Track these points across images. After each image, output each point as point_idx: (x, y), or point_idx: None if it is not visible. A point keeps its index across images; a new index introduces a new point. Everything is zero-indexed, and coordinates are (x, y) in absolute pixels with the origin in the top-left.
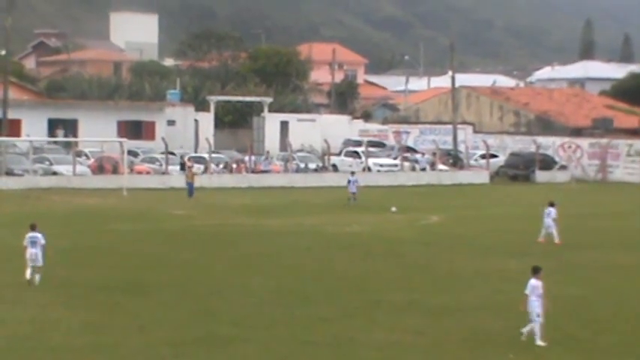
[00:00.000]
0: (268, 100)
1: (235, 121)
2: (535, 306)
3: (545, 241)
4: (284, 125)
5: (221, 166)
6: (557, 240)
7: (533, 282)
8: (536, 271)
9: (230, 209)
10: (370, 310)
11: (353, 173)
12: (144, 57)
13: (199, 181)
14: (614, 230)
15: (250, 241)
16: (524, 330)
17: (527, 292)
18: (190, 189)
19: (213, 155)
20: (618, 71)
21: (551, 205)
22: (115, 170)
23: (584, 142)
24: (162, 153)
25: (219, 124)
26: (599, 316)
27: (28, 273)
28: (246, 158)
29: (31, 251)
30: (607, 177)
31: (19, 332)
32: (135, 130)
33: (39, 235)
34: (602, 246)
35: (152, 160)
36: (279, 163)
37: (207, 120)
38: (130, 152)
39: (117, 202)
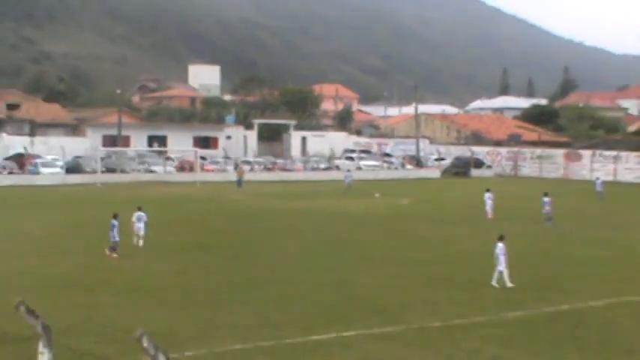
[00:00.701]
0: (293, 122)
1: (271, 137)
2: (501, 261)
3: (493, 217)
4: (304, 139)
5: (262, 166)
6: (490, 215)
7: (500, 245)
8: (501, 238)
9: (267, 195)
10: (361, 263)
11: (349, 171)
12: (210, 94)
13: (247, 177)
14: (522, 209)
15: (282, 217)
16: (494, 280)
17: (497, 251)
18: (239, 182)
19: (256, 159)
20: (525, 103)
21: (488, 190)
22: (191, 169)
23: (503, 150)
24: (223, 157)
25: (260, 138)
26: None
27: (134, 240)
28: (279, 161)
29: (137, 225)
30: (518, 173)
31: (130, 277)
32: (204, 142)
33: (143, 214)
34: (514, 219)
35: (216, 163)
36: (301, 164)
37: (252, 136)
38: (201, 157)
39: (192, 191)
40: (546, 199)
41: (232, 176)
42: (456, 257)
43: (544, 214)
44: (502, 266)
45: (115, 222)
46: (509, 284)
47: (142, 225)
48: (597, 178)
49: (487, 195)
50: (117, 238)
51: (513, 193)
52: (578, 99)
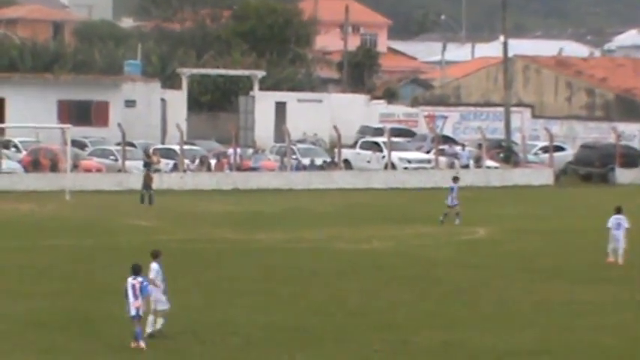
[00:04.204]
0: (260, 74)
1: (216, 102)
2: None
3: (615, 260)
4: (280, 107)
5: (197, 161)
6: (620, 259)
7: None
8: None
9: (208, 219)
10: (395, 355)
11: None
12: (93, 16)
13: (167, 182)
14: None
15: (235, 262)
16: None
17: None
18: (146, 194)
19: (187, 147)
20: None
21: (619, 211)
22: (55, 167)
23: None
24: (119, 144)
25: (194, 105)
26: None
27: None
28: (230, 151)
29: None
30: None
31: None
32: (81, 113)
33: None
34: None
35: (105, 154)
36: (274, 157)
37: (178, 100)
38: (74, 143)
39: (57, 209)
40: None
41: (137, 181)
42: (578, 346)
43: None
44: None
45: None
46: None
47: None
48: None
49: (615, 220)
50: None
51: None
52: None
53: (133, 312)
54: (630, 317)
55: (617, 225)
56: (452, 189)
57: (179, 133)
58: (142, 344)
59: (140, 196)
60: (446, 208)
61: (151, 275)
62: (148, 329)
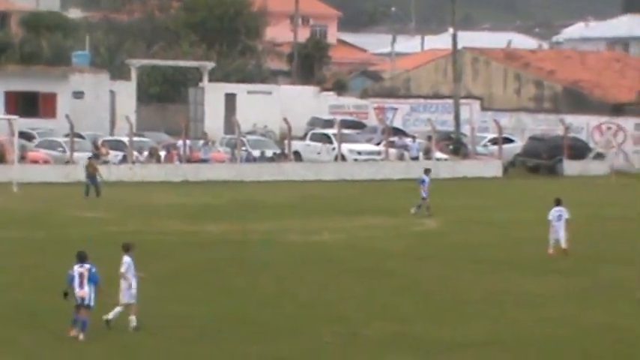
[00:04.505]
0: (209, 65)
1: (165, 94)
2: None
3: (555, 252)
4: (230, 99)
5: (146, 153)
6: (564, 245)
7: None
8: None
9: (158, 211)
10: (345, 347)
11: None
12: (40, 6)
13: (116, 174)
14: None
15: (184, 254)
16: None
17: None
18: (92, 185)
19: (135, 139)
20: None
21: (559, 203)
22: (2, 158)
23: (628, 123)
24: (67, 135)
25: (143, 97)
26: None
27: None
28: (180, 143)
29: None
30: None
31: None
32: (29, 104)
33: None
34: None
35: (52, 145)
36: (224, 149)
37: (127, 92)
38: (21, 134)
39: (5, 201)
40: None
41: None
42: (526, 336)
43: None
44: None
45: None
46: None
47: None
48: None
49: (556, 212)
50: None
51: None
52: None
53: (78, 301)
54: (578, 308)
55: (558, 217)
56: (423, 181)
57: (128, 124)
58: (81, 336)
59: (85, 189)
60: (420, 200)
61: (122, 269)
62: (110, 316)
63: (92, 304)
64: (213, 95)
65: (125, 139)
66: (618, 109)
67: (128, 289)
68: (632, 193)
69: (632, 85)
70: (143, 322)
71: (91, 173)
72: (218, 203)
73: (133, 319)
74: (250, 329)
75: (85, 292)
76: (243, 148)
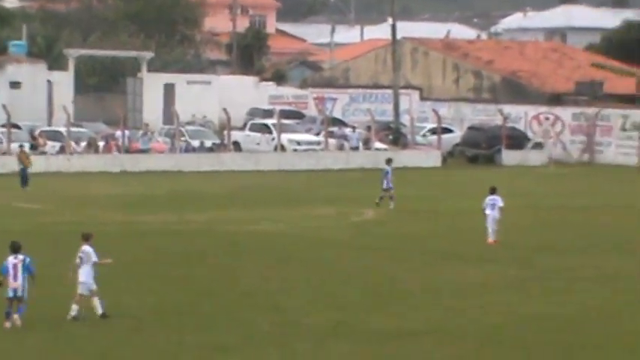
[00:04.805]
0: (147, 55)
1: (103, 84)
2: None
3: (495, 241)
4: (169, 89)
5: (84, 143)
6: (492, 237)
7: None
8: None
9: (95, 201)
10: (285, 336)
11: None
12: None
13: (54, 165)
14: (605, 228)
15: (123, 244)
16: None
17: None
18: (23, 176)
19: (73, 129)
20: (610, 19)
21: (493, 191)
22: None
23: (566, 113)
24: (3, 126)
25: (81, 87)
26: (587, 341)
27: None
28: (118, 133)
29: None
30: (595, 158)
31: None
32: None
33: None
34: (590, 248)
35: None
36: (163, 139)
37: (64, 82)
38: None
39: None
40: None
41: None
42: (466, 326)
43: None
44: None
45: None
46: None
47: None
48: None
49: (490, 200)
50: None
51: (586, 196)
52: None
53: (10, 293)
54: (517, 297)
55: (491, 205)
56: (386, 172)
57: (66, 115)
58: (18, 321)
59: (20, 179)
60: (381, 192)
61: (94, 258)
62: (99, 311)
63: (25, 295)
64: (151, 85)
65: (63, 130)
66: (556, 99)
67: (87, 277)
68: (570, 182)
69: (570, 75)
70: (86, 314)
71: (23, 162)
72: (157, 194)
73: (98, 305)
74: (190, 319)
75: (17, 283)
76: (183, 139)
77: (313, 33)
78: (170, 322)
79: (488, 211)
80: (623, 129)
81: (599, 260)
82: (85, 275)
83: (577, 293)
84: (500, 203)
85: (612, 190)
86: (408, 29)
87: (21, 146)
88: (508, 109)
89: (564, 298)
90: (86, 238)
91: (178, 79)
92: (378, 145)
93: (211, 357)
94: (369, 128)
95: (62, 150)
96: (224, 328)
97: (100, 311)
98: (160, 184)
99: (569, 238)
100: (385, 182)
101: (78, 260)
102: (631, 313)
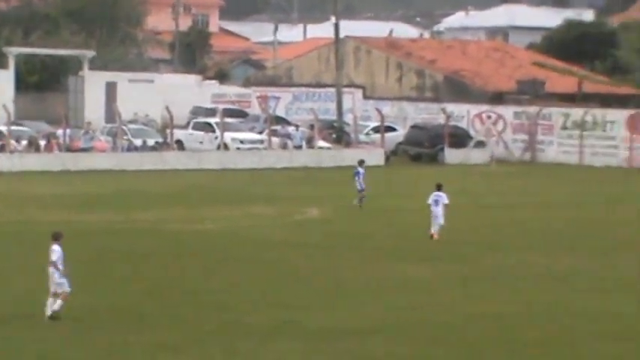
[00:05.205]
0: (89, 54)
1: (44, 83)
2: None
3: (438, 235)
4: (111, 88)
5: (24, 142)
6: (436, 235)
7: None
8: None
9: (36, 201)
10: (228, 335)
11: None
12: None
13: None
14: (547, 226)
15: (66, 244)
16: None
17: None
18: None
19: (14, 128)
20: (551, 18)
21: (439, 188)
22: None
23: (508, 111)
24: None
25: (21, 85)
26: (529, 339)
27: None
28: (60, 132)
29: None
30: (536, 156)
31: None
32: None
33: None
34: (533, 247)
35: None
36: (105, 138)
37: (4, 80)
38: None
39: None
40: None
41: None
42: (411, 323)
43: None
44: None
45: None
46: None
47: None
48: None
49: (435, 196)
50: None
51: (528, 194)
52: None
53: None
54: (460, 294)
55: (435, 202)
56: (357, 173)
57: (6, 113)
58: None
59: None
60: (357, 193)
61: (53, 257)
62: (48, 311)
63: None
64: (93, 84)
65: (3, 129)
66: (498, 98)
67: (64, 276)
68: (512, 181)
69: (512, 74)
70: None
71: None
72: (100, 193)
73: (57, 305)
74: (133, 318)
75: None
76: (125, 137)
77: (256, 32)
78: (113, 321)
79: (432, 207)
80: (564, 127)
81: (542, 258)
82: (58, 275)
83: (521, 291)
84: (445, 200)
85: (553, 189)
86: (351, 28)
87: None
88: (451, 107)
89: (508, 297)
90: (56, 238)
91: (120, 78)
92: (321, 143)
93: (155, 356)
94: (312, 127)
95: (2, 149)
96: (168, 327)
97: (49, 312)
98: (103, 183)
99: (512, 237)
100: (358, 183)
101: (54, 258)
102: (573, 310)
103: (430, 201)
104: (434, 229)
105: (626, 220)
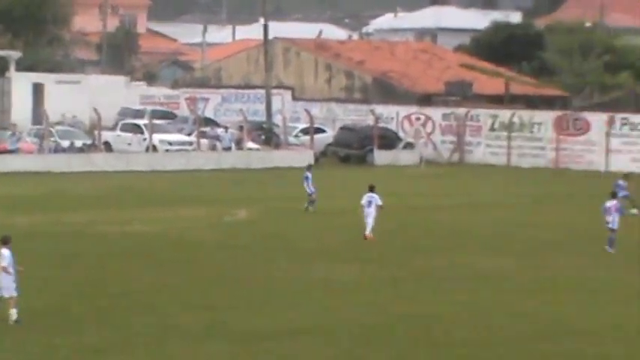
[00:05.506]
0: (15, 55)
1: None
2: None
3: (368, 235)
4: (38, 89)
5: None
6: (369, 234)
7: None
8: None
9: None
10: (155, 337)
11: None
12: None
13: None
14: (473, 227)
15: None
16: None
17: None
18: None
19: None
20: (479, 20)
21: (372, 189)
22: None
23: (436, 113)
24: None
25: None
26: (457, 339)
27: None
28: None
29: None
30: (465, 157)
31: None
32: None
33: None
34: (459, 248)
35: None
36: (32, 140)
37: None
38: None
39: None
40: None
41: None
42: (340, 324)
43: None
44: None
45: None
46: None
47: None
48: (623, 178)
49: (367, 197)
50: None
51: (456, 195)
52: (581, 13)
53: None
54: (388, 295)
55: (368, 203)
56: (306, 177)
57: None
58: None
59: None
60: (308, 197)
61: (3, 263)
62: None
63: None
64: (20, 85)
65: None
66: (427, 100)
67: (14, 281)
68: (441, 182)
69: (440, 75)
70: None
71: None
72: (27, 195)
73: (13, 312)
74: (61, 321)
75: None
76: (52, 139)
77: (185, 33)
78: (41, 324)
79: (365, 208)
80: (492, 129)
81: (470, 259)
82: (4, 280)
83: (449, 292)
84: (378, 201)
85: (481, 190)
86: (280, 29)
87: None
88: (380, 109)
89: (436, 297)
90: (5, 242)
91: (47, 79)
92: (250, 145)
93: (82, 359)
94: (241, 128)
95: None
96: (96, 329)
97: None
98: (30, 185)
99: (440, 238)
100: (308, 187)
101: (5, 264)
102: (498, 310)
103: (363, 202)
104: (368, 230)
105: (552, 221)
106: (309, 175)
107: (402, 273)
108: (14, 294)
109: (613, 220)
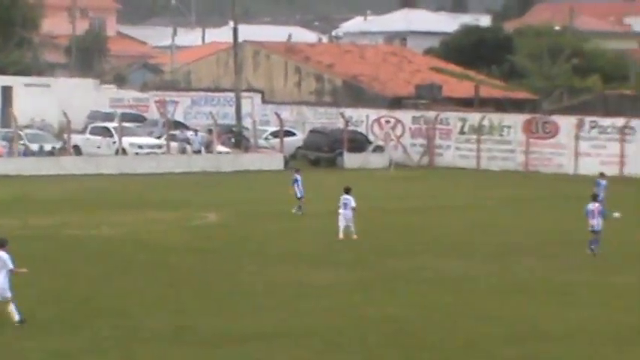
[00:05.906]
0: None
1: None
2: None
3: (345, 237)
4: (6, 92)
5: None
6: (355, 235)
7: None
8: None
9: None
10: (125, 340)
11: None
12: None
13: None
14: (443, 230)
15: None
16: None
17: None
18: None
19: None
20: (449, 23)
21: (347, 191)
22: None
23: (406, 116)
24: None
25: None
26: (426, 342)
27: None
28: None
29: None
30: (435, 160)
31: None
32: None
33: None
34: (429, 251)
35: None
36: (1, 143)
37: None
38: None
39: None
40: None
41: None
42: (310, 328)
43: None
44: None
45: None
46: None
47: None
48: (601, 177)
49: (343, 200)
50: None
51: (425, 198)
52: (551, 16)
53: None
54: (359, 298)
55: (344, 205)
56: (296, 180)
57: None
58: None
59: None
60: (297, 201)
61: (10, 265)
62: (16, 317)
63: None
64: None
65: None
66: (396, 103)
67: (2, 284)
68: (410, 185)
69: (410, 78)
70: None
71: None
72: None
73: (15, 314)
74: (29, 324)
75: None
76: (21, 142)
77: (154, 36)
78: (8, 328)
79: (341, 210)
80: (462, 132)
81: (438, 262)
82: (5, 282)
83: (418, 295)
84: (352, 203)
85: (451, 193)
86: (250, 32)
87: None
88: (349, 112)
89: (405, 300)
90: (1, 245)
91: (16, 82)
92: (220, 148)
93: None
94: (210, 131)
95: None
96: (64, 333)
97: (17, 317)
98: None
99: (410, 241)
100: (298, 191)
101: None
102: (470, 313)
103: (339, 204)
104: (344, 232)
105: (521, 224)
106: (299, 177)
107: (372, 275)
108: (9, 295)
109: (597, 222)
